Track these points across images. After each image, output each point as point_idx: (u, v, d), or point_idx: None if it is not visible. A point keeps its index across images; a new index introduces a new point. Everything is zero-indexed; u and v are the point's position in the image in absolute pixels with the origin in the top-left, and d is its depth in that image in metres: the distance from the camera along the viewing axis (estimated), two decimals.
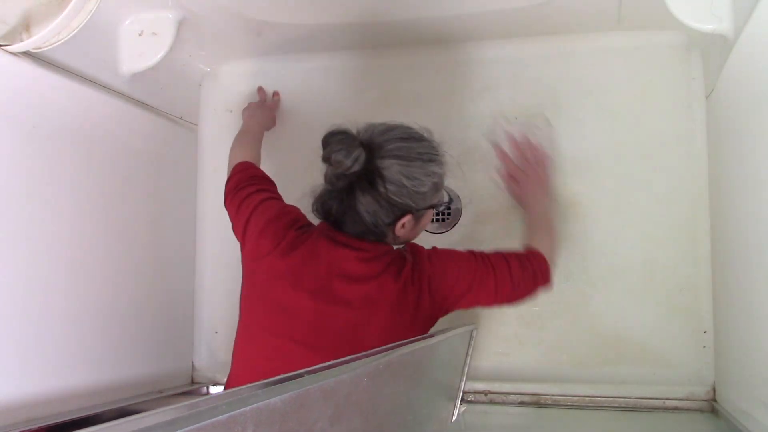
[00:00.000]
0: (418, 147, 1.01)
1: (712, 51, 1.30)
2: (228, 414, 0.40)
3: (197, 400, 0.41)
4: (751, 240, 1.08)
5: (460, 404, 1.35)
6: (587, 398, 1.38)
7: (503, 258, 1.12)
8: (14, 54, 1.05)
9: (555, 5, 1.34)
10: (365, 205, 0.99)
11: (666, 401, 1.34)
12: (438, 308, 1.08)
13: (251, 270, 1.09)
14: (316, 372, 0.53)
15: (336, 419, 0.56)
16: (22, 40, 1.04)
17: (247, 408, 0.42)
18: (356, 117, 1.59)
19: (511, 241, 1.48)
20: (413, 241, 1.14)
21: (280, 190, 1.24)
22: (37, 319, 1.10)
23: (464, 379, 1.35)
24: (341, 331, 1.00)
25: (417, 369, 0.91)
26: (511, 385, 1.42)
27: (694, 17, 1.19)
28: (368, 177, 0.98)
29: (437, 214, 1.54)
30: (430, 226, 1.54)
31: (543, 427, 1.35)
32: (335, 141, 0.95)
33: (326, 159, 0.97)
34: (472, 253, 1.11)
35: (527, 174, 1.39)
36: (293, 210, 1.14)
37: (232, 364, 1.10)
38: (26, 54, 1.08)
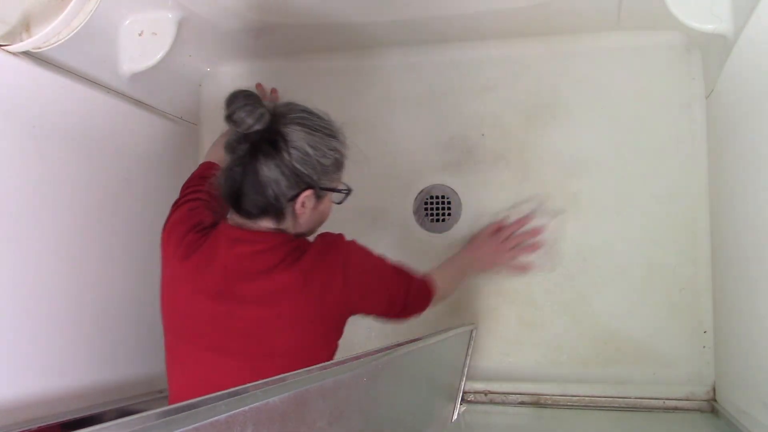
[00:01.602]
0: (320, 121, 1.01)
1: (712, 51, 1.30)
2: (227, 414, 0.40)
3: (196, 399, 0.41)
4: (751, 240, 1.08)
5: (460, 404, 1.35)
6: (587, 398, 1.38)
7: (406, 275, 1.12)
8: (14, 54, 1.05)
9: (555, 5, 1.34)
10: (268, 171, 0.95)
11: (666, 401, 1.34)
12: (348, 305, 1.04)
13: (162, 277, 1.07)
14: (313, 373, 0.53)
15: (335, 419, 0.56)
16: (22, 40, 1.04)
17: (247, 408, 0.42)
18: (356, 117, 1.61)
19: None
20: (327, 231, 1.10)
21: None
22: (36, 319, 1.10)
23: (464, 379, 1.35)
24: (247, 332, 0.98)
25: (417, 369, 0.91)
26: (511, 385, 1.42)
27: (694, 17, 1.19)
28: (272, 140, 0.95)
29: (437, 215, 1.54)
30: (429, 227, 1.54)
31: (543, 427, 1.35)
32: (239, 99, 0.93)
33: (229, 117, 0.93)
34: (383, 261, 1.10)
35: (499, 240, 1.41)
36: (200, 213, 1.10)
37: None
38: (26, 54, 1.08)
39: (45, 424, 1.02)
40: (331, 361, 0.59)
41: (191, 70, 1.63)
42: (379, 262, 1.10)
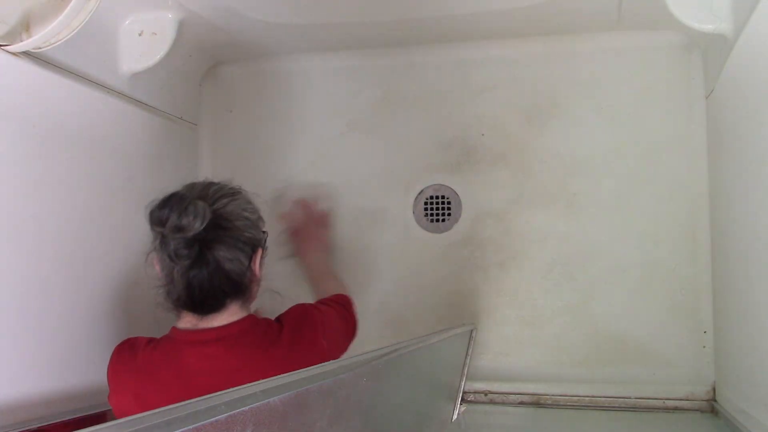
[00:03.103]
0: (224, 187, 1.01)
1: (712, 51, 1.30)
2: (227, 414, 0.40)
3: (196, 400, 0.41)
4: (751, 240, 1.08)
5: (460, 404, 1.35)
6: (587, 398, 1.38)
7: (342, 309, 1.17)
8: (14, 54, 1.05)
9: (555, 5, 1.34)
10: (227, 254, 0.95)
11: (666, 401, 1.34)
12: (329, 355, 1.08)
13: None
14: (313, 373, 0.53)
15: (336, 419, 0.56)
16: (22, 40, 1.04)
17: (247, 408, 0.42)
18: (356, 117, 1.61)
19: (510, 240, 1.48)
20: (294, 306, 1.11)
21: (274, 189, 1.27)
22: (36, 319, 1.10)
23: (464, 379, 1.35)
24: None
25: (417, 369, 0.91)
26: (511, 385, 1.42)
27: (694, 17, 1.19)
28: (217, 225, 0.94)
29: (437, 215, 1.54)
30: (429, 227, 1.54)
31: (543, 427, 1.35)
32: (173, 206, 0.89)
33: (176, 228, 0.88)
34: (337, 311, 1.15)
35: (307, 231, 1.48)
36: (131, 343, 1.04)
37: None
38: (26, 54, 1.08)
39: (45, 424, 1.02)
40: (331, 361, 0.59)
41: (191, 70, 1.63)
42: (332, 314, 1.14)
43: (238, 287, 0.98)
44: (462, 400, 1.36)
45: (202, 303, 0.97)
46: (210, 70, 1.67)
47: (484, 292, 1.49)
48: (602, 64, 1.47)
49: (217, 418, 0.39)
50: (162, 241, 0.92)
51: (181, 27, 1.39)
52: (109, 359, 1.01)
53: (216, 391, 0.91)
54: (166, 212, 0.88)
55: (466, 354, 1.36)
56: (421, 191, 1.55)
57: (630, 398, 1.35)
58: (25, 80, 1.08)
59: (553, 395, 1.40)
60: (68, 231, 1.18)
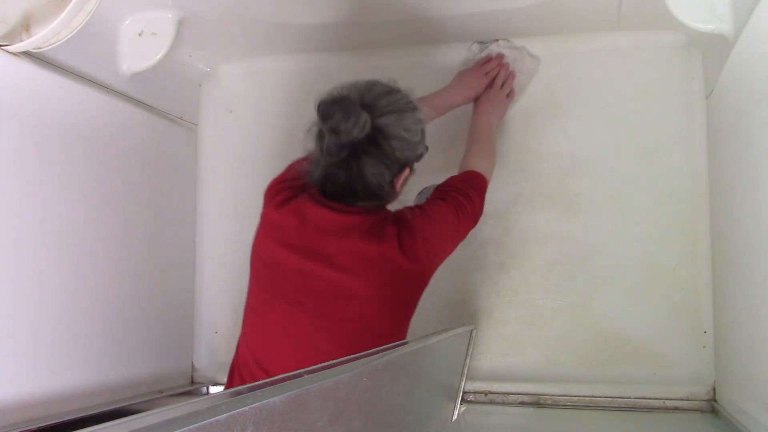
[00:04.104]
0: (403, 98, 1.01)
1: (712, 51, 1.30)
2: (227, 414, 0.40)
3: (197, 400, 0.41)
4: (751, 240, 1.08)
5: (460, 404, 1.35)
6: (587, 398, 1.38)
7: (465, 197, 1.13)
8: (14, 54, 1.05)
9: (555, 5, 1.34)
10: (372, 168, 0.98)
11: (666, 401, 1.34)
12: (428, 273, 1.08)
13: (258, 225, 1.11)
14: (315, 372, 0.53)
15: (335, 419, 0.56)
16: (22, 40, 1.04)
17: (247, 408, 0.42)
18: None
19: (510, 240, 1.48)
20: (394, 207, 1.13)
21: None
22: (36, 319, 1.10)
23: (464, 379, 1.35)
24: (323, 293, 1.00)
25: (417, 369, 0.91)
26: (511, 385, 1.42)
27: (694, 17, 1.19)
28: (373, 139, 0.96)
29: None
30: None
31: (543, 427, 1.35)
32: (338, 110, 0.92)
33: (332, 130, 0.92)
34: (452, 207, 1.11)
35: (497, 89, 1.42)
36: (295, 167, 1.13)
37: None
38: (26, 54, 1.08)
39: (45, 424, 1.02)
40: (331, 361, 0.59)
41: (191, 70, 1.63)
42: (446, 220, 1.10)
43: (373, 196, 1.02)
44: (462, 400, 1.36)
45: (333, 195, 1.02)
46: (210, 70, 1.67)
47: (484, 292, 1.49)
48: (602, 64, 1.47)
49: (217, 418, 0.39)
50: (320, 133, 0.97)
51: (181, 27, 1.39)
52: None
53: (318, 238, 1.01)
54: (331, 111, 0.92)
55: (466, 354, 1.36)
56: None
57: (630, 398, 1.35)
58: (25, 80, 1.08)
59: (553, 395, 1.40)
60: (68, 231, 1.18)
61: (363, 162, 0.97)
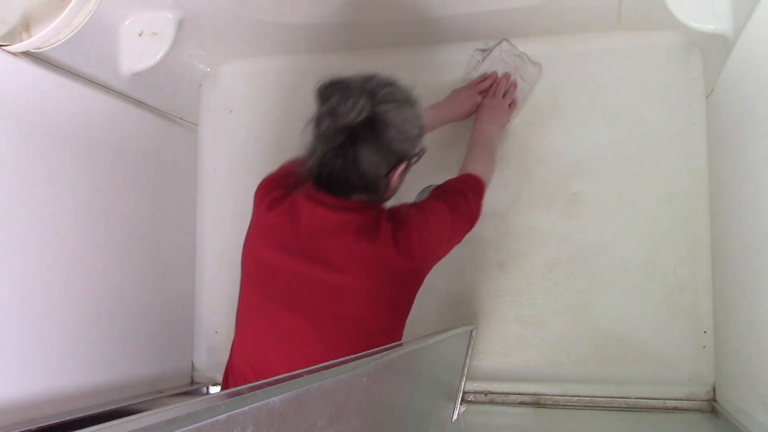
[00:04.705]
0: (402, 91, 1.01)
1: (712, 51, 1.30)
2: (227, 414, 0.40)
3: (196, 400, 0.41)
4: (751, 240, 1.08)
5: (460, 404, 1.35)
6: (587, 398, 1.38)
7: (463, 199, 1.12)
8: (14, 54, 1.05)
9: (555, 5, 1.34)
10: (368, 156, 0.96)
11: (666, 401, 1.34)
12: (423, 271, 1.07)
13: (249, 226, 1.10)
14: (315, 372, 0.53)
15: (335, 419, 0.56)
16: (22, 40, 1.04)
17: (247, 408, 0.42)
18: None
19: (510, 240, 1.48)
20: (390, 204, 1.12)
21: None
22: (36, 319, 1.10)
23: (464, 379, 1.35)
24: (316, 293, 0.99)
25: (417, 369, 0.91)
26: (511, 385, 1.42)
27: (694, 17, 1.19)
28: (370, 126, 0.95)
29: None
30: None
31: (543, 427, 1.35)
32: (337, 92, 0.92)
33: (330, 112, 0.92)
34: (449, 207, 1.10)
35: (499, 98, 1.41)
36: (287, 166, 1.13)
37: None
38: (26, 54, 1.08)
39: (45, 424, 1.02)
40: (331, 361, 0.59)
41: (191, 70, 1.63)
42: (442, 219, 1.09)
43: (368, 188, 1.01)
44: (462, 400, 1.36)
45: (328, 185, 1.00)
46: (210, 70, 1.67)
47: (484, 292, 1.49)
48: (602, 64, 1.47)
49: (217, 418, 0.39)
50: (318, 118, 0.96)
51: (181, 27, 1.39)
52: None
53: (311, 238, 1.00)
54: (329, 92, 0.92)
55: (466, 354, 1.36)
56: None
57: (630, 398, 1.35)
58: (25, 80, 1.08)
59: (553, 395, 1.40)
60: (68, 231, 1.18)
61: (359, 149, 0.96)
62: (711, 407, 1.31)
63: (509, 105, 1.44)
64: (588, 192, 1.45)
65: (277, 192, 1.06)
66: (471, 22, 1.45)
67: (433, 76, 1.57)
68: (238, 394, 0.43)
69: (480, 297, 1.49)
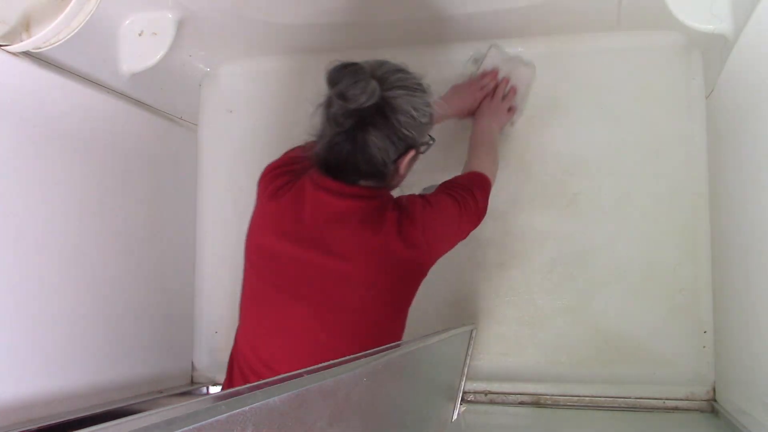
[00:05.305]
0: (414, 79, 1.01)
1: (712, 51, 1.30)
2: (227, 414, 0.40)
3: (196, 400, 0.41)
4: (751, 240, 1.08)
5: (460, 404, 1.35)
6: (587, 398, 1.38)
7: (470, 195, 1.11)
8: (14, 54, 1.05)
9: (555, 5, 1.34)
10: (377, 141, 0.96)
11: (666, 401, 1.34)
12: (428, 263, 1.06)
13: (252, 214, 1.09)
14: (315, 372, 0.53)
15: (335, 419, 0.56)
16: (22, 40, 1.04)
17: (247, 408, 0.42)
18: None
19: (510, 240, 1.48)
20: (397, 194, 1.11)
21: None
22: (36, 319, 1.10)
23: (464, 379, 1.35)
24: (318, 281, 0.99)
25: (417, 369, 0.91)
26: (511, 385, 1.42)
27: (694, 17, 1.19)
28: (380, 110, 0.95)
29: None
30: None
31: (543, 427, 1.35)
32: (347, 75, 0.92)
33: (340, 95, 0.92)
34: (455, 201, 1.09)
35: (498, 99, 1.41)
36: (296, 159, 1.11)
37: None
38: (26, 54, 1.08)
39: (45, 424, 1.02)
40: (331, 361, 0.59)
41: (191, 70, 1.63)
42: (448, 212, 1.08)
43: (375, 174, 1.00)
44: (462, 400, 1.36)
45: (336, 169, 1.00)
46: (210, 70, 1.67)
47: (484, 292, 1.49)
48: (602, 64, 1.47)
49: (217, 418, 0.39)
50: (328, 101, 0.97)
51: (181, 27, 1.39)
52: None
53: (314, 225, 0.99)
54: (340, 76, 0.92)
55: (466, 354, 1.36)
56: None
57: (630, 398, 1.35)
58: (25, 80, 1.08)
59: (553, 395, 1.40)
60: (68, 230, 1.18)
61: (368, 134, 0.95)
62: (711, 407, 1.31)
63: (508, 109, 1.44)
64: (588, 192, 1.45)
65: (282, 179, 1.06)
66: (471, 22, 1.45)
67: (433, 76, 1.56)
68: (238, 394, 0.43)
69: (480, 297, 1.49)
